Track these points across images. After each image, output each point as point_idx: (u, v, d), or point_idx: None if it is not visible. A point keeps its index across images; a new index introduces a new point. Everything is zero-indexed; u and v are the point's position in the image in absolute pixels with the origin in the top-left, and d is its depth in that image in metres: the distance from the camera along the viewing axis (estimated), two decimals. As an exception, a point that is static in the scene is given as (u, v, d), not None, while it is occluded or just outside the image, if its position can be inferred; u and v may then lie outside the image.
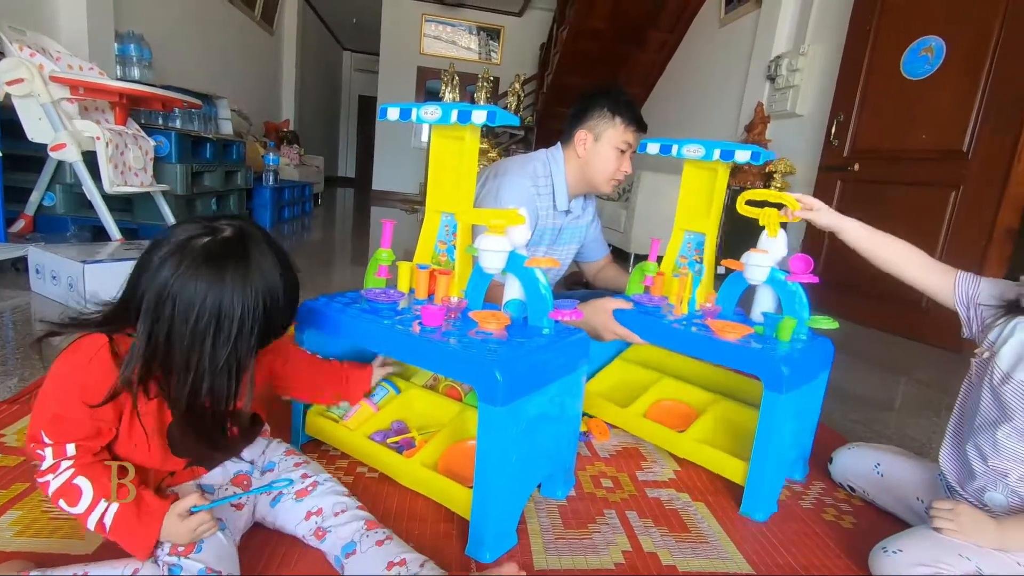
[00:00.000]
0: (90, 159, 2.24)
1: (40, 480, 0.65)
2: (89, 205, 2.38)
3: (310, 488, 0.80)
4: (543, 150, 1.54)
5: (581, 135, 1.48)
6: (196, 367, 0.65)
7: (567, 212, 1.55)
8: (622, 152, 1.48)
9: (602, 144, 1.47)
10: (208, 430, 0.71)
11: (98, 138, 2.22)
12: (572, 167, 1.51)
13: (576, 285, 1.84)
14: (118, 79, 3.07)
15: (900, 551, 0.81)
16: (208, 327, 0.64)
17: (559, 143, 1.54)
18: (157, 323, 0.64)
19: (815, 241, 2.90)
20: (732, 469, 1.08)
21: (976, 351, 0.90)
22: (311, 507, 0.78)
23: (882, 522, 1.03)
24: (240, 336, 0.65)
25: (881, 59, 2.72)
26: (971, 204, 2.34)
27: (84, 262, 1.78)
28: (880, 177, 2.72)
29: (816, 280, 1.08)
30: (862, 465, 1.10)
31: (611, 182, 1.51)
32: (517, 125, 0.95)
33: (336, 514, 0.77)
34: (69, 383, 0.64)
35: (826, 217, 1.05)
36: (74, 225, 2.66)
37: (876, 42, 2.75)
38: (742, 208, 1.15)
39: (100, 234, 2.54)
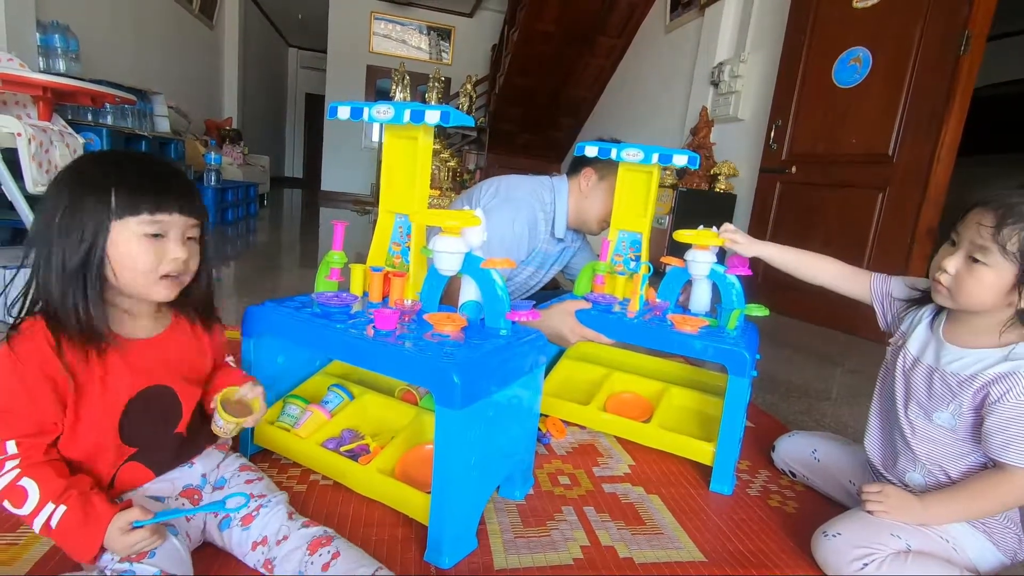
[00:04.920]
0: (10, 157, 2.08)
1: None
2: (9, 206, 2.21)
3: (254, 513, 0.77)
4: (547, 177, 1.60)
5: (588, 172, 1.53)
6: (56, 236, 0.65)
7: (560, 240, 1.62)
8: None
9: (604, 184, 1.52)
10: (84, 288, 0.66)
11: (19, 134, 2.06)
12: (573, 200, 1.57)
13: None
14: (41, 71, 2.87)
15: (839, 534, 0.86)
16: (58, 208, 0.65)
17: (565, 174, 1.60)
18: (39, 236, 0.66)
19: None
20: (700, 451, 1.15)
21: (890, 340, 0.99)
22: (256, 536, 0.75)
23: (822, 506, 1.08)
24: (82, 199, 0.65)
25: (814, 68, 2.87)
26: (896, 205, 2.51)
27: (5, 267, 1.66)
28: (815, 180, 2.88)
29: (750, 273, 1.17)
30: (800, 451, 1.16)
31: (601, 223, 1.58)
32: (472, 126, 0.95)
33: (279, 542, 0.74)
34: (11, 377, 0.62)
35: (748, 248, 1.14)
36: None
37: (810, 52, 2.90)
38: (679, 237, 1.21)
39: (22, 237, 2.37)
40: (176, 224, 0.69)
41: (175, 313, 0.78)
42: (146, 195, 0.66)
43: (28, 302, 0.67)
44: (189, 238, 0.72)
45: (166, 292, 0.71)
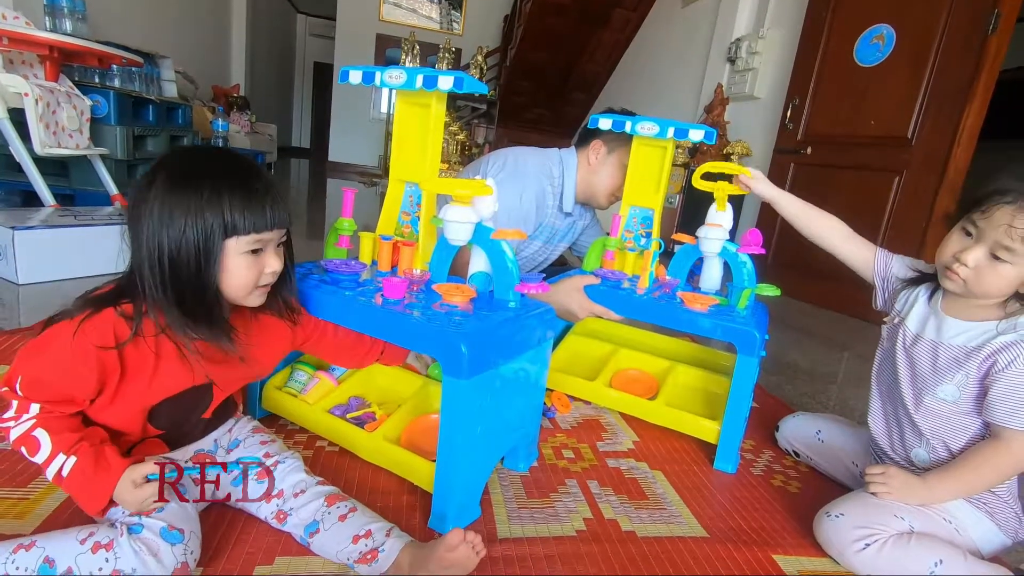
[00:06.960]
0: (18, 118, 2.07)
1: (2, 425, 0.65)
2: (17, 168, 2.21)
3: (272, 467, 0.79)
4: (556, 149, 1.56)
5: (596, 144, 1.50)
6: (167, 245, 0.64)
7: (568, 215, 1.59)
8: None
9: (612, 158, 1.49)
10: (201, 314, 0.68)
11: (27, 94, 2.04)
12: (581, 173, 1.54)
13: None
14: (48, 31, 2.83)
15: (842, 515, 0.86)
16: (171, 217, 0.64)
17: (573, 146, 1.56)
18: (140, 234, 0.65)
19: (768, 223, 2.99)
20: (705, 429, 1.15)
21: (885, 319, 0.99)
22: (272, 489, 0.77)
23: (825, 487, 1.09)
24: (201, 217, 0.65)
25: (836, 45, 2.79)
26: (913, 189, 2.46)
27: (14, 228, 1.65)
28: (830, 161, 2.82)
29: (763, 252, 1.15)
30: (805, 432, 1.16)
31: (610, 197, 1.55)
32: (485, 93, 0.93)
33: (296, 495, 0.76)
34: (64, 355, 0.63)
35: (762, 185, 1.12)
36: (1, 189, 2.46)
37: (832, 28, 2.82)
38: (697, 182, 1.21)
39: (31, 199, 2.37)
40: (273, 238, 0.72)
41: (254, 311, 0.78)
42: (254, 214, 0.68)
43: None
44: (279, 244, 0.74)
45: (259, 300, 0.74)
